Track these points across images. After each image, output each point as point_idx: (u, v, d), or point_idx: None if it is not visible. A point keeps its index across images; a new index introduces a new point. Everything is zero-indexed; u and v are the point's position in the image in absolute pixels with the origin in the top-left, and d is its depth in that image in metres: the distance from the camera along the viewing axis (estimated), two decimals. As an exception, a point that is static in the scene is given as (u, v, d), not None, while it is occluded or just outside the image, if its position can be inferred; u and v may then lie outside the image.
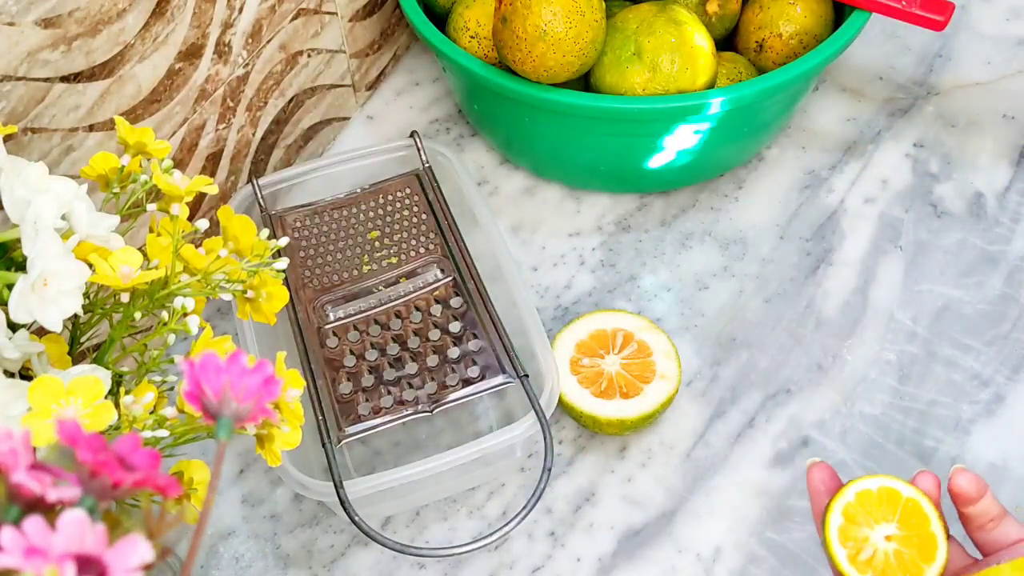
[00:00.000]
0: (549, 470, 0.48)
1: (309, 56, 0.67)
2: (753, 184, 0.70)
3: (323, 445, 0.49)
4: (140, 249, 0.38)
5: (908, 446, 0.56)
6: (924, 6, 0.63)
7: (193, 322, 0.38)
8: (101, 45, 0.49)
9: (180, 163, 0.59)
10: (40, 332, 0.36)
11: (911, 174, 0.70)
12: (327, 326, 0.55)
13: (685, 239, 0.66)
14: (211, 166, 0.62)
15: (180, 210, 0.40)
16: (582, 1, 0.57)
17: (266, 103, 0.64)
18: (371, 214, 0.60)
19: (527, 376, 0.51)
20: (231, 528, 0.54)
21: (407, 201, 0.61)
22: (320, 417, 0.50)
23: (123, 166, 0.41)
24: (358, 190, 0.62)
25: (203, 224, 0.40)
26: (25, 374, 0.36)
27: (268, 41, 0.62)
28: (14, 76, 0.45)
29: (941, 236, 0.66)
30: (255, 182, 0.61)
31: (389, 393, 0.52)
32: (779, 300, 0.63)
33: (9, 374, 0.35)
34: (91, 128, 0.50)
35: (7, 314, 0.34)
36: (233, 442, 0.49)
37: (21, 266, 0.36)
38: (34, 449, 0.28)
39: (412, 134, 0.63)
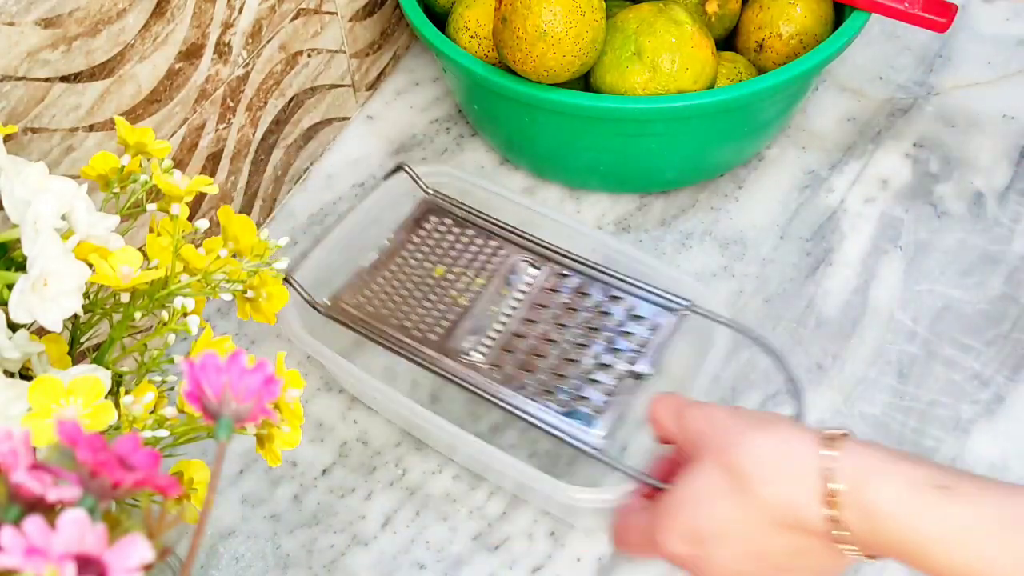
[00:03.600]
0: None
1: (309, 56, 0.67)
2: (753, 184, 0.70)
3: None
4: (140, 249, 0.38)
5: (908, 446, 0.56)
6: (926, 7, 0.63)
7: (193, 322, 0.38)
8: (101, 45, 0.49)
9: (180, 163, 0.59)
10: (40, 332, 0.36)
11: (911, 174, 0.70)
12: (485, 365, 0.53)
13: (685, 239, 0.66)
14: (211, 166, 0.62)
15: (180, 210, 0.40)
16: (582, 1, 0.57)
17: (266, 103, 0.64)
18: (418, 256, 0.58)
19: (690, 305, 0.53)
20: (231, 528, 0.54)
21: (441, 228, 0.59)
22: None
23: (123, 166, 0.41)
24: (386, 242, 0.58)
25: (203, 224, 0.40)
26: (25, 374, 0.36)
27: (268, 41, 0.62)
28: (14, 76, 0.45)
29: (941, 236, 0.66)
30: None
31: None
32: (779, 300, 0.63)
33: (9, 374, 0.35)
34: (91, 128, 0.50)
35: (7, 314, 0.34)
36: (233, 442, 0.49)
37: (21, 266, 0.36)
38: (34, 449, 0.28)
39: (398, 168, 0.61)
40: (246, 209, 0.66)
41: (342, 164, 0.73)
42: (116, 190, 0.41)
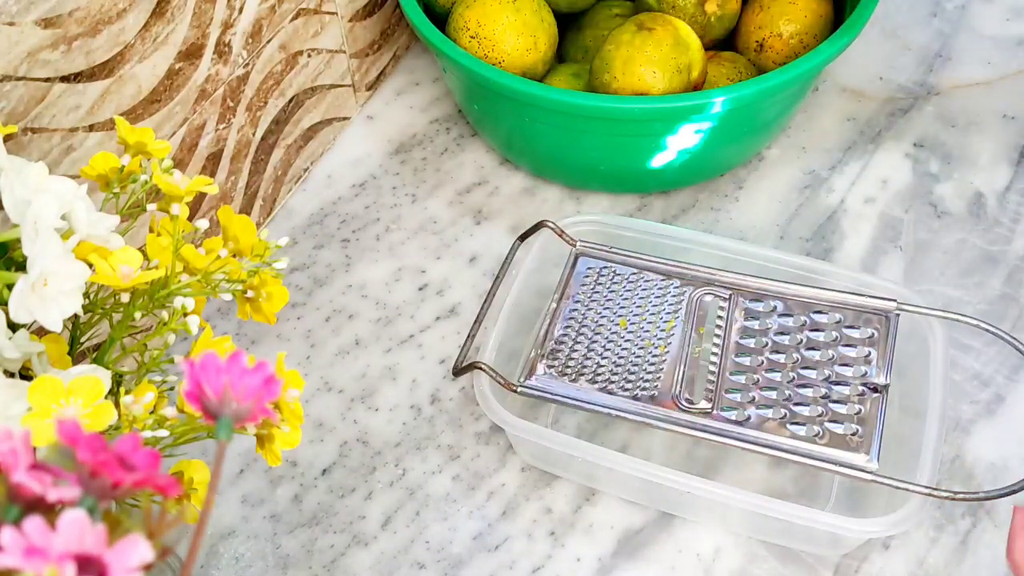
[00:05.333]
0: None
1: (309, 56, 0.67)
2: (753, 184, 0.70)
3: None
4: (140, 249, 0.38)
5: (907, 445, 0.55)
6: None
7: (193, 322, 0.38)
8: (101, 45, 0.49)
9: (180, 163, 0.59)
10: (40, 332, 0.36)
11: (911, 174, 0.70)
12: (718, 411, 0.50)
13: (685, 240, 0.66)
14: (211, 166, 0.62)
15: (180, 210, 0.40)
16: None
17: (266, 103, 0.65)
18: (593, 311, 0.55)
19: (900, 304, 0.52)
20: (231, 528, 0.54)
21: (603, 278, 0.57)
22: None
23: (123, 166, 0.41)
24: (554, 305, 0.55)
25: (203, 224, 0.40)
26: (25, 374, 0.36)
27: (268, 41, 0.62)
28: (14, 76, 0.45)
29: (941, 236, 0.66)
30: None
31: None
32: (779, 300, 0.63)
33: (9, 374, 0.35)
34: (91, 128, 0.50)
35: (7, 314, 0.34)
36: (233, 442, 0.49)
37: (21, 266, 0.36)
38: (34, 449, 0.28)
39: (538, 226, 0.58)
40: (246, 209, 0.66)
41: (342, 164, 0.73)
42: (116, 190, 0.41)
